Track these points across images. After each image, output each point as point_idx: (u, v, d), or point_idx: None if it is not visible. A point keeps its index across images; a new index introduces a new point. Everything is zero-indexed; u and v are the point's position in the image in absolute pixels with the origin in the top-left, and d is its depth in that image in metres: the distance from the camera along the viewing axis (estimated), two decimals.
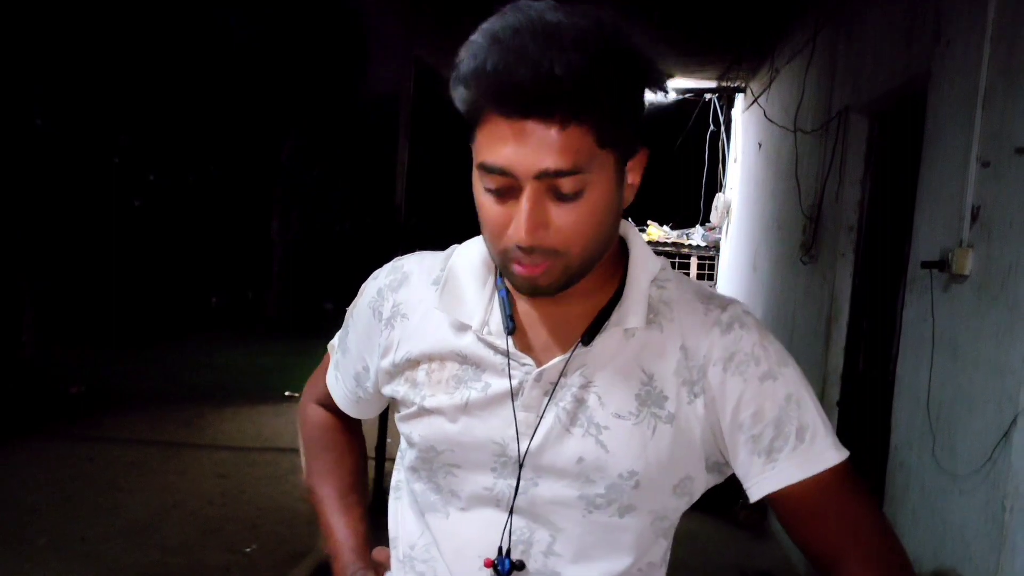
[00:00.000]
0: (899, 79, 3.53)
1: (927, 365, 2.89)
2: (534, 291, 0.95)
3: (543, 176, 0.87)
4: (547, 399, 0.99)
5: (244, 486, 5.88)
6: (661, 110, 10.50)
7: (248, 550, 4.71)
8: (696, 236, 9.75)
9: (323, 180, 17.04)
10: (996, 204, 2.54)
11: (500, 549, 1.02)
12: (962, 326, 2.69)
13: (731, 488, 4.36)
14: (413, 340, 1.08)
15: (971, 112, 2.72)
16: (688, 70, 7.56)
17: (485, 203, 0.93)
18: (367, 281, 1.19)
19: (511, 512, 1.02)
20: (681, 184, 10.69)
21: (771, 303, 5.72)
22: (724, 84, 7.84)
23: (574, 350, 0.99)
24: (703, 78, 7.80)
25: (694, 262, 9.81)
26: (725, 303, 1.03)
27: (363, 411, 1.29)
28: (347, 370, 1.23)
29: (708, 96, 8.36)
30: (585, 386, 0.99)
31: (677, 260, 9.83)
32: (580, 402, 0.99)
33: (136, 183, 13.21)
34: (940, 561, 2.68)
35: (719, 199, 8.49)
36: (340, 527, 1.28)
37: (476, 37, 0.88)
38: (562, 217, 0.89)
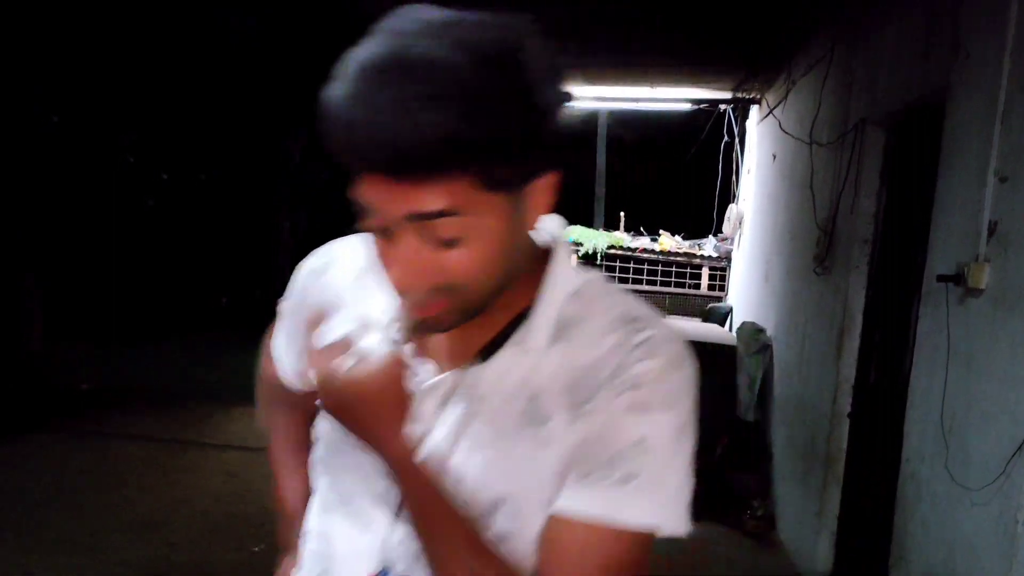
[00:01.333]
0: (917, 92, 3.53)
1: (941, 377, 2.89)
2: (427, 330, 0.91)
3: (415, 219, 0.80)
4: (437, 412, 0.94)
5: (252, 485, 5.89)
6: (675, 120, 10.53)
7: (256, 549, 4.72)
8: (708, 246, 9.75)
9: (333, 180, 17.10)
10: (1013, 219, 2.55)
11: (384, 565, 0.99)
12: (977, 339, 2.69)
13: (739, 497, 4.43)
14: (331, 327, 1.03)
15: (990, 126, 2.72)
16: (703, 81, 7.59)
17: (371, 238, 0.87)
18: (302, 261, 1.17)
19: (398, 518, 0.99)
20: (694, 194, 10.71)
21: (783, 314, 5.72)
22: (739, 95, 7.86)
23: (468, 366, 0.94)
24: (718, 89, 7.83)
25: (705, 272, 9.81)
26: (644, 326, 0.93)
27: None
28: (291, 346, 1.21)
29: (722, 107, 8.38)
30: (473, 403, 0.93)
31: (688, 270, 9.84)
32: (466, 420, 0.93)
33: (147, 182, 13.24)
34: (951, 574, 2.68)
35: (732, 210, 8.50)
36: (293, 491, 1.27)
37: (347, 65, 0.79)
38: (445, 260, 0.82)
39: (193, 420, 7.74)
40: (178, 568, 4.40)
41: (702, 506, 5.67)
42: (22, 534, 4.66)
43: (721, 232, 9.19)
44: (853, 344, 4.17)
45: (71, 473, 5.86)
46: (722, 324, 8.05)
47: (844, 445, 4.13)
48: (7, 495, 5.33)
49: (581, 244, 9.90)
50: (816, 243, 4.73)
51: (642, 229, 10.45)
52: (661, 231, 10.27)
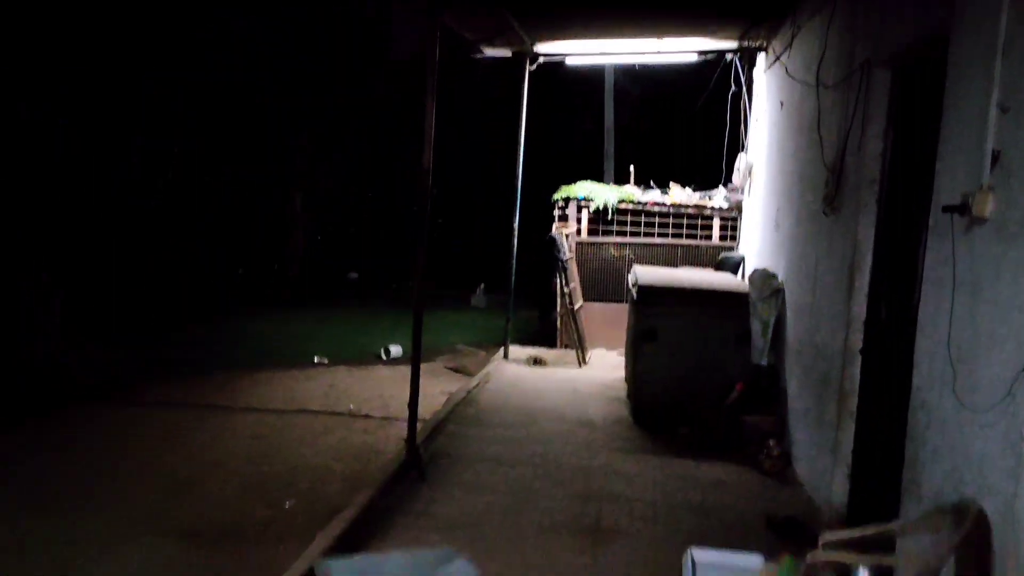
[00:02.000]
0: (920, 31, 3.57)
1: (948, 306, 2.96)
2: None
3: None
4: None
5: (280, 446, 6.04)
6: (682, 72, 10.50)
7: (287, 505, 4.87)
8: (718, 197, 9.78)
9: (346, 151, 17.19)
10: (1016, 148, 2.60)
11: None
12: (982, 267, 2.77)
13: (757, 437, 4.56)
14: None
15: (991, 60, 2.76)
16: (709, 30, 7.56)
17: None
18: None
19: None
20: (702, 146, 10.72)
21: (794, 257, 5.78)
22: (745, 44, 7.84)
23: None
24: (724, 38, 7.80)
25: (716, 222, 9.84)
26: None
27: None
28: None
29: (729, 56, 8.35)
30: None
31: (699, 221, 9.88)
32: None
33: (164, 169, 13.38)
34: (960, 493, 2.77)
35: (741, 160, 8.51)
36: None
37: None
38: None
39: (218, 387, 7.92)
40: (213, 526, 4.55)
41: (721, 448, 5.83)
42: (61, 504, 4.82)
43: (731, 182, 9.20)
44: (863, 281, 4.24)
45: (104, 444, 6.04)
46: (734, 273, 8.10)
47: (857, 381, 4.21)
48: (45, 467, 5.52)
49: (592, 200, 9.95)
50: (825, 184, 4.78)
51: (652, 182, 10.47)
52: (671, 183, 10.29)
